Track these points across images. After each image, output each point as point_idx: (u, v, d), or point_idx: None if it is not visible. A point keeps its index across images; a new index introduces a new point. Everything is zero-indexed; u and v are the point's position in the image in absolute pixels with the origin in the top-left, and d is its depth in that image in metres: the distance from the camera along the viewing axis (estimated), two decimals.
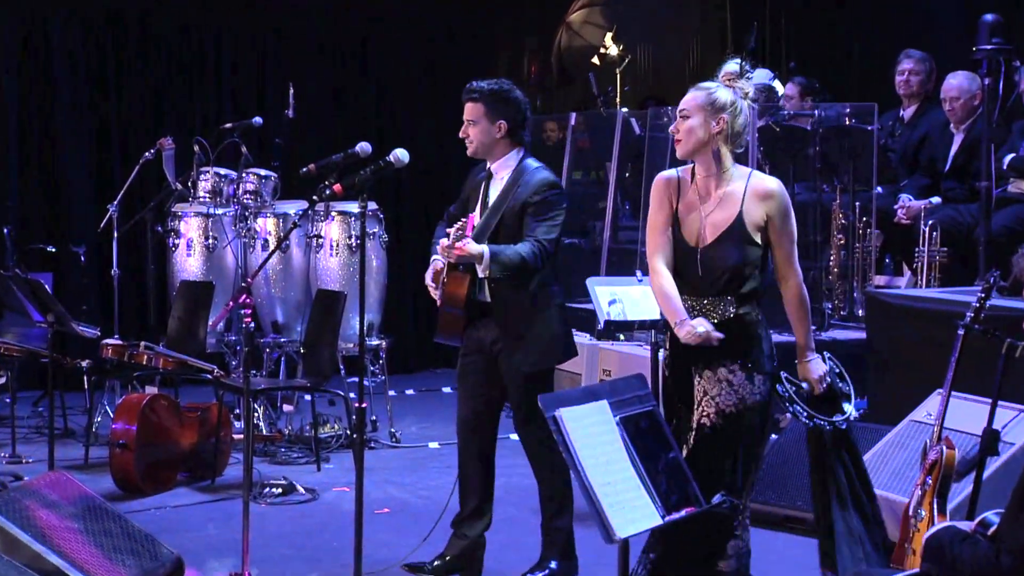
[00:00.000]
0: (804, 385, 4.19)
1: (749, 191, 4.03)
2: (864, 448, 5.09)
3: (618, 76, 10.15)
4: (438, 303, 4.92)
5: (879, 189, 7.71)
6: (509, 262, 4.64)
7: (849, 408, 4.20)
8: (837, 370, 4.28)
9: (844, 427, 4.19)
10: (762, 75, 8.98)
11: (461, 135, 4.86)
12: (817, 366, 4.18)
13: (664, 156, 7.53)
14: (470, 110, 4.82)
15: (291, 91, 8.05)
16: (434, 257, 4.96)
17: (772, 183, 4.07)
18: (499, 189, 4.85)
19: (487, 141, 4.83)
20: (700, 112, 4.05)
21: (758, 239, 4.02)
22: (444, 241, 4.63)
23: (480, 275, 4.68)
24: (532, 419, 4.65)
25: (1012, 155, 7.14)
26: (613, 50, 10.58)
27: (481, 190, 4.93)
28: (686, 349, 4.01)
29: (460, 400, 5.02)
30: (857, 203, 7.62)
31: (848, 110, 7.82)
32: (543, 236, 4.68)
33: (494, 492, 5.05)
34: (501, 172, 4.88)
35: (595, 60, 10.69)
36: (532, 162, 4.88)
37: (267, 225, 7.77)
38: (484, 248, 4.61)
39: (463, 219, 4.76)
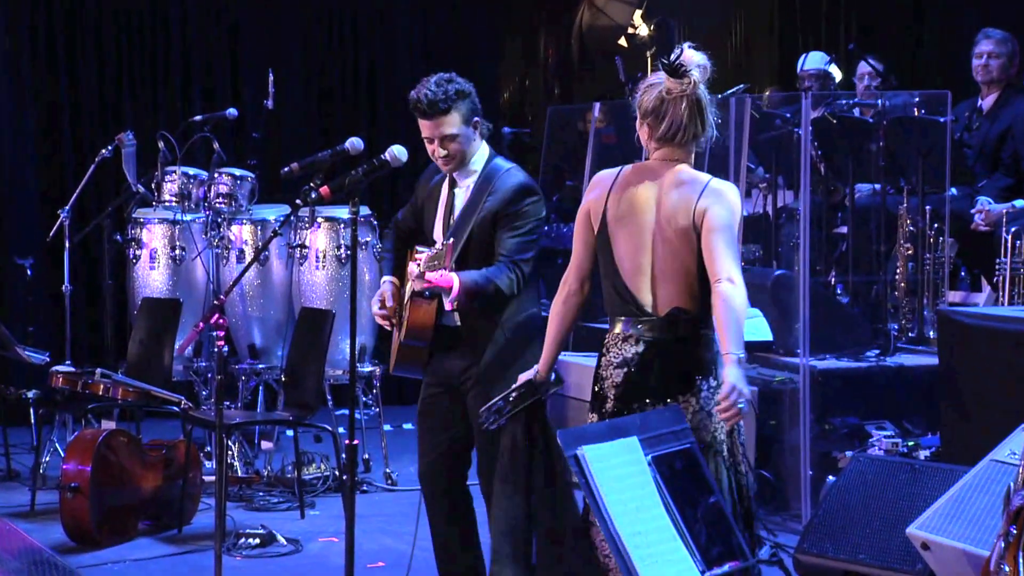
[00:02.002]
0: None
1: None
2: (936, 492, 5.07)
3: (649, 60, 10.15)
4: (395, 334, 4.88)
5: (953, 191, 7.70)
6: (481, 292, 4.57)
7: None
8: None
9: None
10: (816, 59, 9.01)
11: (440, 155, 4.73)
12: None
13: (704, 153, 7.53)
14: (446, 123, 4.68)
15: (270, 78, 8.08)
16: (385, 278, 4.92)
17: None
18: (465, 196, 4.79)
19: (470, 149, 4.77)
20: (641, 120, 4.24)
21: None
22: (413, 267, 4.50)
23: (447, 308, 4.61)
24: (500, 472, 4.60)
25: None
26: (643, 29, 10.60)
27: (443, 197, 4.85)
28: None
29: (420, 445, 4.94)
30: (928, 207, 7.60)
31: (917, 99, 7.81)
32: (519, 256, 4.60)
33: (479, 550, 4.95)
34: (466, 179, 4.81)
35: (622, 41, 10.71)
36: (502, 162, 4.81)
37: (243, 233, 7.79)
38: (454, 278, 4.48)
39: (439, 244, 4.51)
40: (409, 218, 5.07)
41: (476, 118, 4.76)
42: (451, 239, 4.57)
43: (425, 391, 4.93)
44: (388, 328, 4.92)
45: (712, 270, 3.98)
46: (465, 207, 4.76)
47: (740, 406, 3.81)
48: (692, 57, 4.07)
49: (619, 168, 4.24)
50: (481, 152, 4.81)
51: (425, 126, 4.73)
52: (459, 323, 4.75)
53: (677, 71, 4.05)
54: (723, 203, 4.05)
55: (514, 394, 4.36)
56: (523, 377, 4.38)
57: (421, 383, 4.96)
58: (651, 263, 4.09)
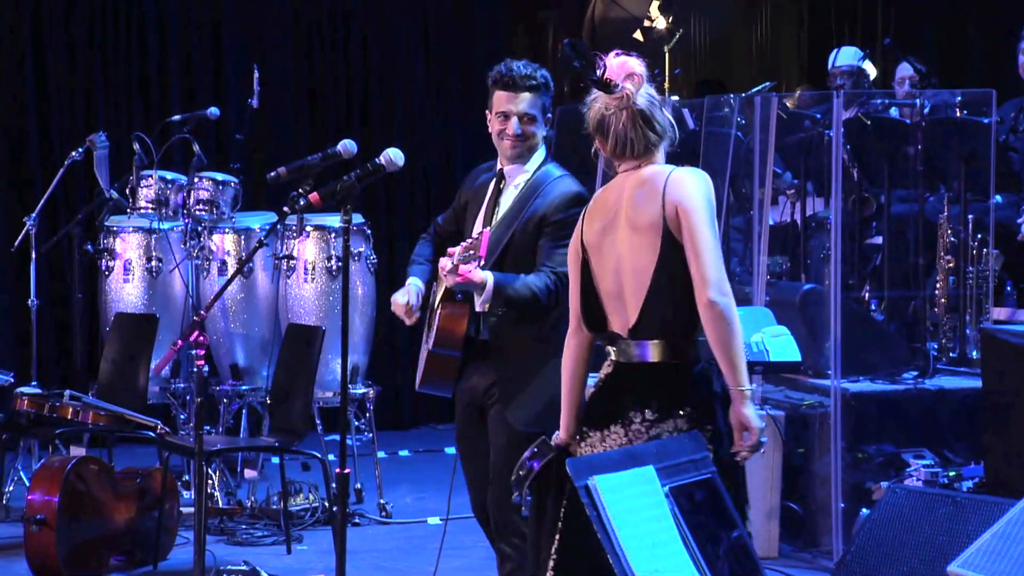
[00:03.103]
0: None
1: None
2: (980, 527, 5.06)
3: (667, 55, 10.18)
4: (423, 347, 4.91)
5: (998, 198, 7.69)
6: (516, 297, 4.63)
7: None
8: None
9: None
10: (849, 55, 9.02)
11: (513, 132, 4.84)
12: None
13: (726, 155, 7.54)
14: (529, 102, 4.84)
15: (255, 74, 8.09)
16: (411, 280, 4.96)
17: None
18: (513, 197, 4.87)
19: (536, 142, 4.89)
20: None
21: None
22: (446, 261, 4.59)
23: (477, 308, 4.67)
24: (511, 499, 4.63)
25: None
26: (660, 22, 10.63)
27: (488, 196, 4.93)
28: None
29: (465, 476, 5.02)
30: (970, 216, 7.60)
31: (959, 98, 7.81)
32: (561, 267, 4.61)
33: None
34: (518, 176, 4.90)
35: (637, 35, 10.72)
36: (554, 168, 4.89)
37: (225, 243, 7.80)
38: (488, 277, 4.59)
39: (475, 235, 4.65)
40: (450, 221, 5.14)
41: (549, 115, 4.89)
42: (487, 228, 4.64)
43: (457, 415, 5.00)
44: (407, 321, 4.93)
45: (695, 279, 3.96)
46: (511, 207, 4.83)
47: (761, 443, 3.93)
48: (625, 65, 4.07)
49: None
50: (539, 153, 4.91)
51: (505, 99, 4.85)
52: (489, 336, 4.79)
53: (607, 86, 4.06)
54: (693, 187, 4.02)
55: (534, 457, 4.17)
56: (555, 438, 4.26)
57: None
58: (623, 279, 4.09)
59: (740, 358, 3.93)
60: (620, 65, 4.07)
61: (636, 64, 4.09)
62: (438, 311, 4.84)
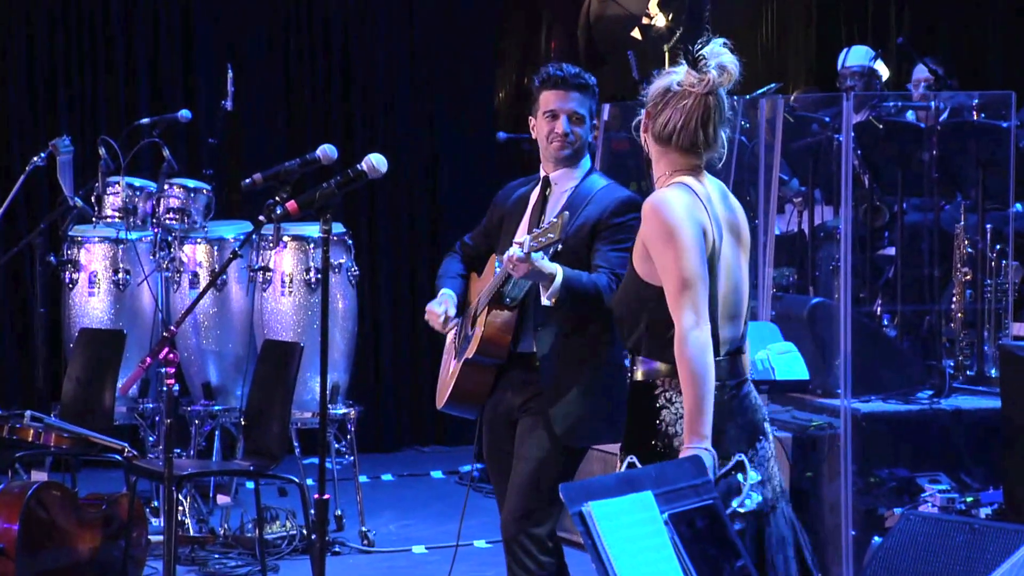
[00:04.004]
0: None
1: None
2: (999, 556, 5.07)
3: (666, 55, 10.20)
4: (445, 362, 4.96)
5: (1018, 206, 7.72)
6: (583, 291, 4.70)
7: None
8: None
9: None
10: (860, 54, 9.05)
11: (563, 130, 4.90)
12: None
13: (729, 160, 7.55)
14: (579, 101, 4.94)
15: (229, 74, 8.11)
16: (445, 291, 5.02)
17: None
18: (561, 203, 4.93)
19: (584, 145, 4.97)
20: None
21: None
22: (515, 249, 4.58)
23: (544, 301, 4.69)
24: (535, 517, 4.67)
25: None
26: (660, 20, 10.65)
27: (532, 203, 5.00)
28: None
29: (497, 496, 5.06)
30: (988, 225, 7.62)
31: (976, 101, 7.84)
32: (621, 271, 4.68)
33: None
34: (565, 183, 4.97)
35: (635, 33, 10.75)
36: (599, 177, 4.99)
37: (197, 254, 7.80)
38: (557, 268, 4.64)
39: (551, 218, 4.72)
40: (480, 240, 5.19)
41: (593, 121, 4.98)
42: (566, 211, 4.66)
43: (486, 433, 5.04)
44: (440, 329, 5.01)
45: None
46: (562, 210, 4.83)
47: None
48: (718, 54, 4.10)
49: None
50: (586, 161, 5.00)
51: (555, 97, 4.92)
52: (535, 349, 4.84)
53: (697, 62, 4.09)
54: (647, 224, 4.10)
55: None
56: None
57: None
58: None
59: (706, 401, 3.99)
60: (716, 52, 4.11)
61: (732, 61, 4.11)
62: (483, 318, 4.88)
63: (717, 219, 4.12)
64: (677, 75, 4.14)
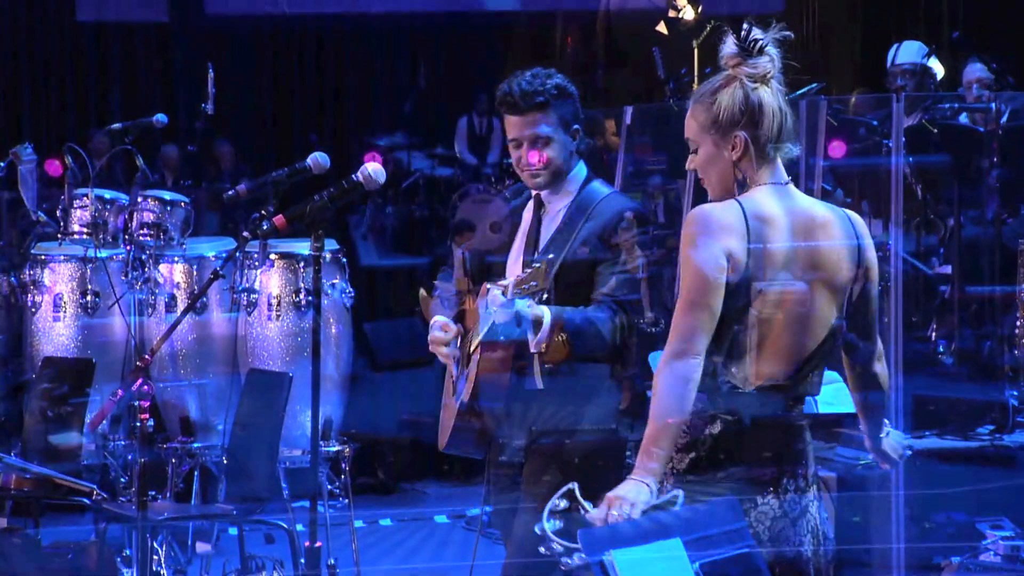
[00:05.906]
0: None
1: None
2: None
3: (695, 52, 10.21)
4: (446, 398, 4.97)
5: None
6: (576, 332, 4.66)
7: None
8: None
9: None
10: (912, 50, 9.05)
11: (522, 164, 4.84)
12: None
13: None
14: (539, 121, 4.83)
15: (210, 76, 8.12)
16: (436, 318, 5.00)
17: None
18: (556, 223, 4.88)
19: (565, 162, 4.87)
20: (705, 137, 4.12)
21: None
22: (496, 293, 4.52)
23: (532, 349, 4.68)
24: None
25: None
26: (688, 13, 10.66)
27: (524, 223, 4.96)
28: None
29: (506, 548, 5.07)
30: None
31: None
32: (625, 296, 4.68)
33: None
34: (559, 203, 4.91)
35: (661, 28, 10.76)
36: (601, 185, 4.93)
37: (174, 274, 7.81)
38: (544, 312, 4.59)
39: (535, 263, 4.57)
40: (452, 274, 5.17)
41: (576, 126, 4.87)
42: (550, 255, 4.65)
43: (491, 473, 5.05)
44: (447, 361, 4.97)
45: None
46: (556, 233, 4.84)
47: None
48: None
49: None
50: (579, 170, 4.92)
51: (512, 124, 4.85)
52: (541, 386, 4.81)
53: (748, 50, 4.08)
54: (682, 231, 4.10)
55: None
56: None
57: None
58: None
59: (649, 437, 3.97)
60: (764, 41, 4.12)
61: (774, 54, 4.12)
62: (476, 358, 4.85)
63: (762, 244, 4.08)
64: (759, 70, 4.11)
